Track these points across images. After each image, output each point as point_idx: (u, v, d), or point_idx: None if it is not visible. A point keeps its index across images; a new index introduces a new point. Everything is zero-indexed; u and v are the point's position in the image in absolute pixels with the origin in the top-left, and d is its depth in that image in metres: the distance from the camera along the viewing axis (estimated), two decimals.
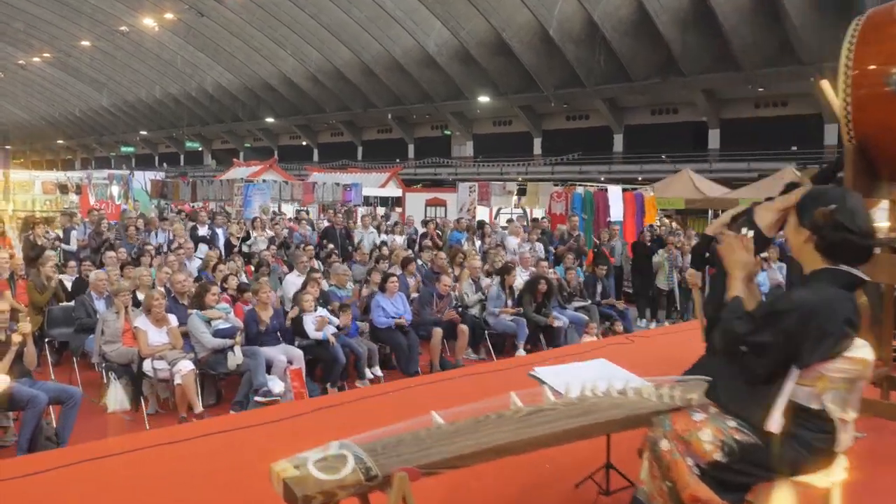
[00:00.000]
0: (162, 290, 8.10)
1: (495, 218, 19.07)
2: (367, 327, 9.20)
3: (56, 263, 9.91)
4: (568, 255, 12.76)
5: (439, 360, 9.18)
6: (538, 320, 9.88)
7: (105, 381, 7.78)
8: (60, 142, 74.25)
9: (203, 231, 15.39)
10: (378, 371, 8.75)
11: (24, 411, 5.89)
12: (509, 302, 10.05)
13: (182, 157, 69.51)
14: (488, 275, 11.00)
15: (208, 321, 7.55)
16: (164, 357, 7.05)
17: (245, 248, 15.54)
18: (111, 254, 10.93)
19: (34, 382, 6.29)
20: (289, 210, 21.84)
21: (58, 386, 6.31)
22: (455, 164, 50.73)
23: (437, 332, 9.16)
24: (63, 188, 16.75)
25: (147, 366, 7.14)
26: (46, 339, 9.21)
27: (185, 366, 6.96)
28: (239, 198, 18.57)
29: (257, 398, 7.23)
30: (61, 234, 13.63)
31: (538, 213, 18.13)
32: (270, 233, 15.76)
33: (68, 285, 10.02)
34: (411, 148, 55.38)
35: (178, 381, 6.93)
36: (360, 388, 8.11)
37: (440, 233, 16.28)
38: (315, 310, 8.38)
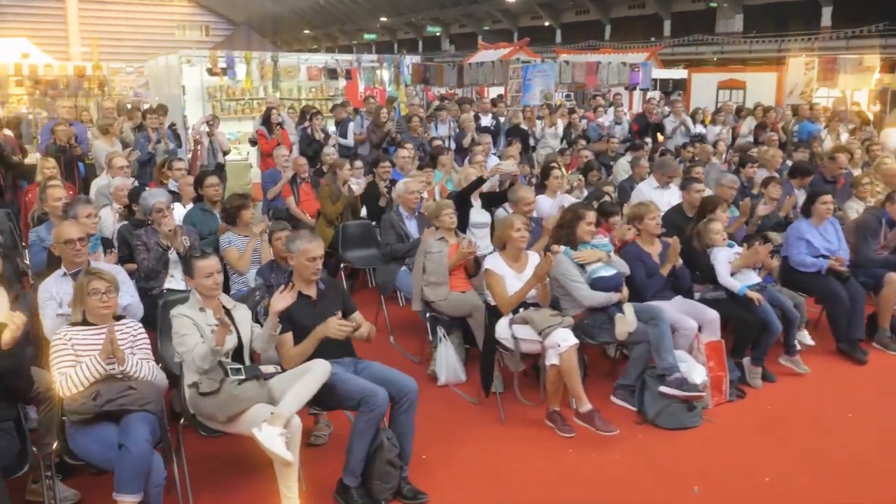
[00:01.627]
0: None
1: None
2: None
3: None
4: None
5: None
6: None
7: (430, 338, 5.63)
8: (306, 32, 76.17)
9: (486, 121, 13.05)
10: (807, 337, 5.83)
11: (357, 412, 3.77)
12: None
13: (420, 42, 68.35)
14: None
15: (581, 266, 5.01)
16: (530, 320, 4.63)
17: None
18: (404, 152, 8.77)
19: (358, 363, 4.15)
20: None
21: (387, 372, 4.08)
22: (720, 42, 44.29)
23: (893, 278, 5.99)
24: (332, 73, 14.98)
25: (502, 329, 4.78)
26: (342, 265, 7.30)
27: (565, 337, 4.50)
28: (515, 81, 15.92)
29: (667, 389, 4.67)
30: (335, 127, 11.87)
31: None
32: (561, 124, 13.01)
33: (355, 190, 7.99)
34: (667, 25, 49.24)
35: (552, 360, 4.51)
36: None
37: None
38: (726, 243, 5.58)
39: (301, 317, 4.07)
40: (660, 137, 12.79)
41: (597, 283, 4.94)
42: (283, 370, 3.90)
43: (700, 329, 5.08)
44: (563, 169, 8.22)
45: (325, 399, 3.82)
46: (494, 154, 11.05)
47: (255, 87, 15.33)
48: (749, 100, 18.45)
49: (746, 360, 5.39)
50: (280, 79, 15.08)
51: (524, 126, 13.10)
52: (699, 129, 13.10)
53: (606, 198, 6.86)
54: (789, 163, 9.37)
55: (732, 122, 13.83)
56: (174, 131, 10.48)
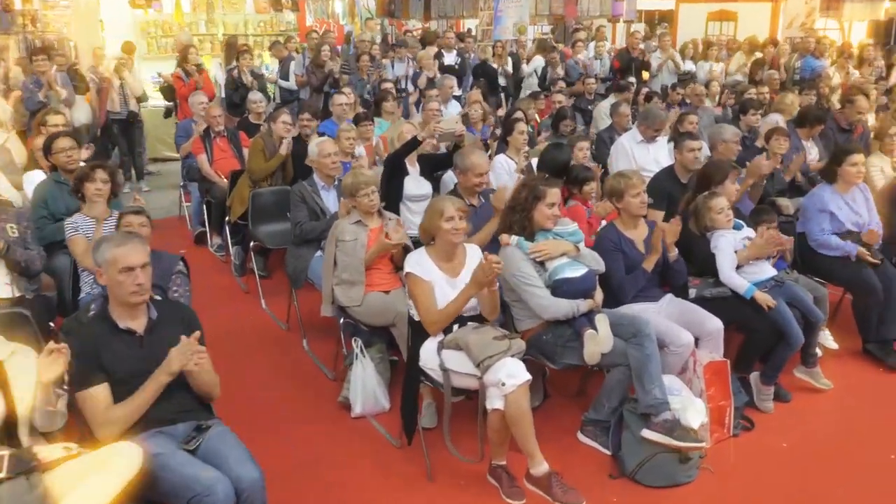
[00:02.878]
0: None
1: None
2: None
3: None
4: None
5: None
6: None
7: (345, 351, 4.35)
8: None
9: (450, 59, 11.49)
10: (830, 340, 4.60)
11: None
12: None
13: None
14: None
15: (541, 263, 3.69)
16: (465, 346, 3.33)
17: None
18: (340, 98, 7.30)
19: (201, 431, 2.83)
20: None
21: (228, 451, 2.75)
22: None
23: None
24: (276, 3, 13.26)
25: (428, 355, 3.48)
26: (252, 243, 5.93)
27: (514, 372, 3.22)
28: (487, 13, 14.29)
29: (652, 435, 3.42)
30: (277, 68, 10.31)
31: None
32: (539, 62, 11.50)
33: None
34: None
35: (495, 403, 3.23)
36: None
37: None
38: (731, 224, 4.27)
39: (119, 363, 2.76)
40: (645, 76, 11.35)
41: (561, 287, 3.63)
42: None
43: (697, 342, 3.83)
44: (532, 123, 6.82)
45: (145, 494, 2.52)
46: (458, 98, 9.63)
47: (190, 21, 13.61)
48: (741, 33, 16.88)
49: (755, 377, 4.15)
50: (219, 11, 13.36)
51: (493, 63, 11.64)
52: (689, 65, 11.69)
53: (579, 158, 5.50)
54: None
55: (726, 58, 12.42)
56: (75, 73, 8.91)
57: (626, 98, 8.20)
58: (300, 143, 6.33)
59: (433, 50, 10.76)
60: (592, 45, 12.46)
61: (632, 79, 10.26)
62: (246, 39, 13.06)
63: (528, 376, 3.24)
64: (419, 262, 3.53)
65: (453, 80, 8.68)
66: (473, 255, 3.63)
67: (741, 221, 4.32)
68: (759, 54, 11.64)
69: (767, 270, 4.17)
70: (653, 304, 4.05)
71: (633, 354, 3.53)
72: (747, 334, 4.11)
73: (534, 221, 3.72)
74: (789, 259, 4.67)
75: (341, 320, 4.33)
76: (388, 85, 8.49)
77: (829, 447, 3.82)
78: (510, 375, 3.20)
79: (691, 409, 3.47)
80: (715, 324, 3.87)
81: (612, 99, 8.48)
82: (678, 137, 5.33)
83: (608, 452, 3.68)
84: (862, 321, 4.69)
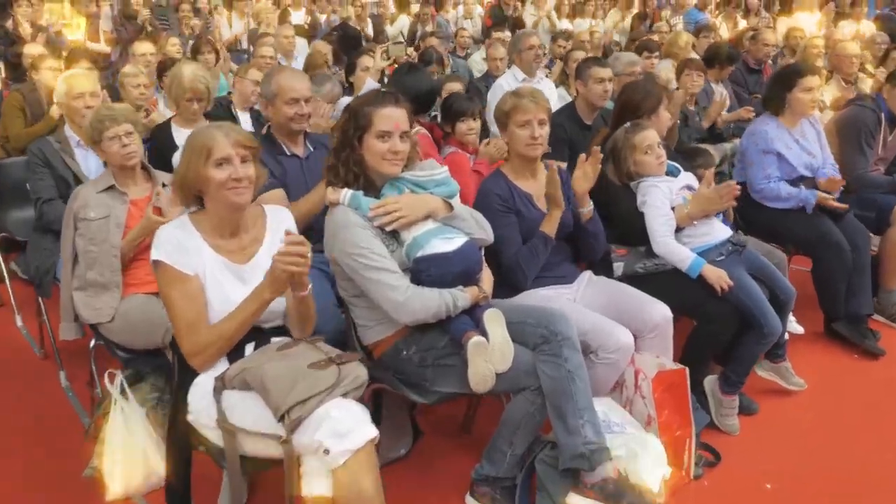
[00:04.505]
0: None
1: None
2: None
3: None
4: None
5: None
6: None
7: (98, 391, 2.79)
8: None
9: (298, 18, 9.84)
10: (794, 324, 3.45)
11: None
12: None
13: None
14: None
15: (393, 234, 2.25)
16: (260, 386, 1.85)
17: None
18: (142, 47, 5.62)
19: None
20: None
21: None
22: None
23: None
24: None
25: (200, 402, 1.99)
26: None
27: (350, 425, 1.78)
28: None
29: (582, 502, 2.07)
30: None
31: None
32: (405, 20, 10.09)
33: None
34: None
35: (316, 487, 1.78)
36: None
37: None
38: (664, 169, 3.00)
39: None
40: None
41: (426, 270, 2.22)
42: None
43: (636, 342, 2.53)
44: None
45: None
46: None
47: None
48: None
49: (711, 383, 2.91)
50: None
51: (354, 24, 10.12)
52: (564, 24, 10.62)
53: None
54: None
55: (603, 16, 11.47)
56: None
57: (498, 42, 6.88)
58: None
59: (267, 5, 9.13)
60: (462, 7, 11.22)
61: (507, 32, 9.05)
62: None
63: (372, 432, 1.83)
64: (176, 241, 2.02)
65: (290, 31, 7.10)
66: (277, 224, 2.16)
67: (677, 165, 3.07)
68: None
69: (719, 231, 2.93)
70: (565, 287, 2.73)
71: (545, 372, 2.18)
72: (699, 322, 2.85)
73: (367, 166, 2.29)
74: (732, 218, 3.48)
75: (92, 343, 2.76)
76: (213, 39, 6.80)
77: (827, 479, 2.62)
78: (338, 434, 1.78)
79: (644, 455, 2.16)
80: (660, 311, 2.58)
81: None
82: (581, 66, 4.03)
83: None
84: (826, 293, 3.56)
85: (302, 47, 7.27)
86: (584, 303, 2.68)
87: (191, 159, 1.97)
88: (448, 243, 2.25)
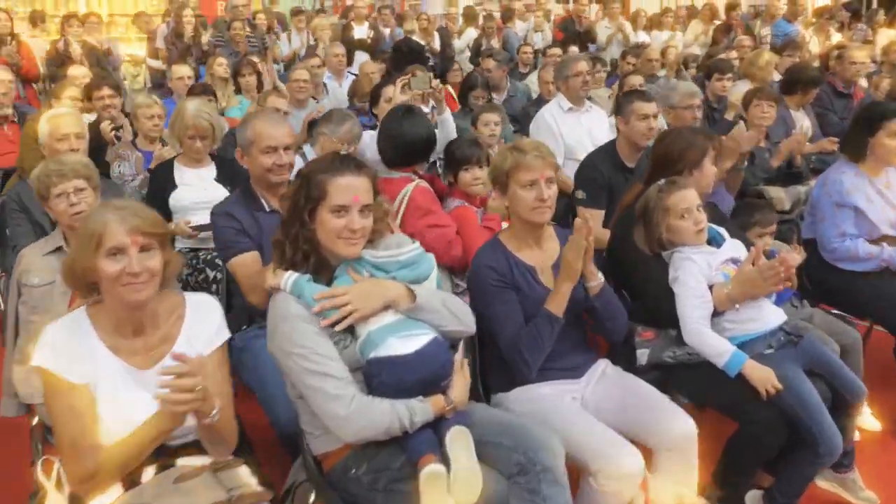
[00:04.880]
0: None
1: None
2: None
3: None
4: None
5: None
6: None
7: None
8: None
9: (361, 32, 9.61)
10: (870, 420, 2.85)
11: None
12: None
13: None
14: None
15: (348, 331, 1.85)
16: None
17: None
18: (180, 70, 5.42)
19: None
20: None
21: None
22: None
23: None
24: None
25: None
26: None
27: None
28: None
29: None
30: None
31: None
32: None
33: None
34: None
35: None
36: None
37: None
38: (704, 238, 2.46)
39: None
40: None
41: (377, 374, 1.81)
42: None
43: (654, 454, 2.04)
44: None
45: None
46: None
47: None
48: None
49: (754, 500, 2.38)
50: None
51: (419, 39, 9.79)
52: (641, 37, 10.00)
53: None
54: None
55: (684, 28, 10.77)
56: None
57: (555, 61, 6.39)
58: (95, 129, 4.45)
59: (330, 19, 8.89)
60: (533, 18, 10.75)
61: (575, 49, 8.54)
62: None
63: None
64: (63, 343, 1.68)
65: (341, 49, 6.79)
66: (199, 320, 1.80)
67: (721, 230, 2.54)
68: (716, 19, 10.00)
69: (769, 316, 2.39)
70: (572, 383, 2.26)
71: None
72: (740, 424, 2.32)
73: (320, 244, 1.90)
74: (794, 283, 2.92)
75: (34, 421, 2.47)
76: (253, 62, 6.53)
77: None
78: None
79: None
80: (681, 426, 2.08)
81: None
82: (622, 100, 3.54)
83: None
84: None
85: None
86: (593, 404, 2.21)
87: (80, 247, 1.63)
88: (407, 343, 1.84)
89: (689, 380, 2.34)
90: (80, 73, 5.91)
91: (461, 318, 1.98)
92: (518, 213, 2.27)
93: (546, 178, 2.22)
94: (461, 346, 2.02)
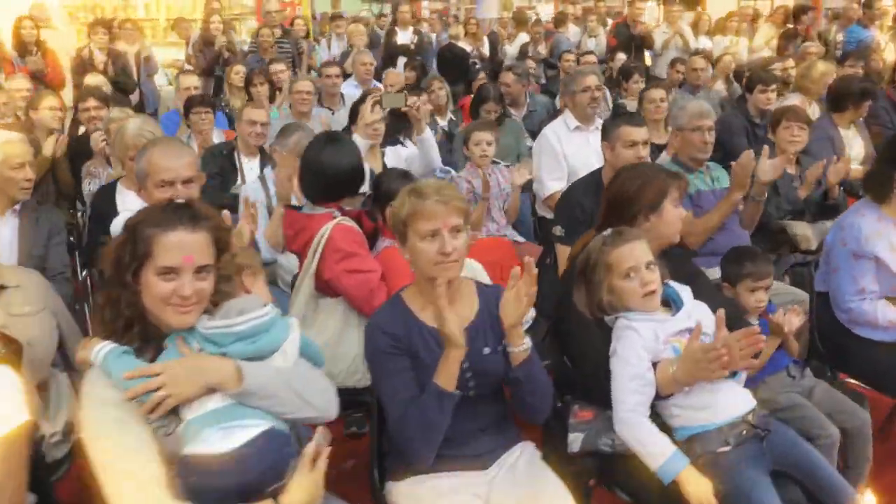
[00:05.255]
0: None
1: None
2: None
3: None
4: None
5: None
6: None
7: None
8: None
9: (404, 38, 9.31)
10: (869, 497, 2.35)
11: None
12: None
13: None
14: None
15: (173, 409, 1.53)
16: None
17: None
18: (187, 80, 5.25)
19: None
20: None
21: None
22: None
23: None
24: None
25: None
26: None
27: None
28: None
29: None
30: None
31: None
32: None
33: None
34: None
35: None
36: None
37: None
38: (655, 302, 2.02)
39: None
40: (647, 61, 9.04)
41: (185, 475, 1.47)
42: None
43: None
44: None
45: None
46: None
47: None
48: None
49: None
50: None
51: (464, 45, 9.42)
52: (703, 42, 9.36)
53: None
54: None
55: (750, 33, 10.04)
56: None
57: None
58: (82, 142, 4.33)
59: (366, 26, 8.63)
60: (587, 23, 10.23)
61: (623, 55, 8.01)
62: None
63: None
64: None
65: (369, 57, 6.49)
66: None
67: (683, 290, 2.08)
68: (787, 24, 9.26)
69: (727, 404, 1.93)
70: (476, 475, 1.88)
71: None
72: None
73: (146, 310, 1.59)
74: (797, 349, 2.42)
75: None
76: (279, 66, 6.29)
77: None
78: None
79: None
80: None
81: None
82: (608, 123, 3.10)
83: None
84: None
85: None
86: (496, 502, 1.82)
87: None
88: (228, 437, 1.50)
89: (627, 473, 1.92)
90: (97, 81, 5.84)
91: (312, 401, 1.63)
92: (419, 268, 1.90)
93: (450, 228, 1.84)
94: (321, 430, 1.66)
